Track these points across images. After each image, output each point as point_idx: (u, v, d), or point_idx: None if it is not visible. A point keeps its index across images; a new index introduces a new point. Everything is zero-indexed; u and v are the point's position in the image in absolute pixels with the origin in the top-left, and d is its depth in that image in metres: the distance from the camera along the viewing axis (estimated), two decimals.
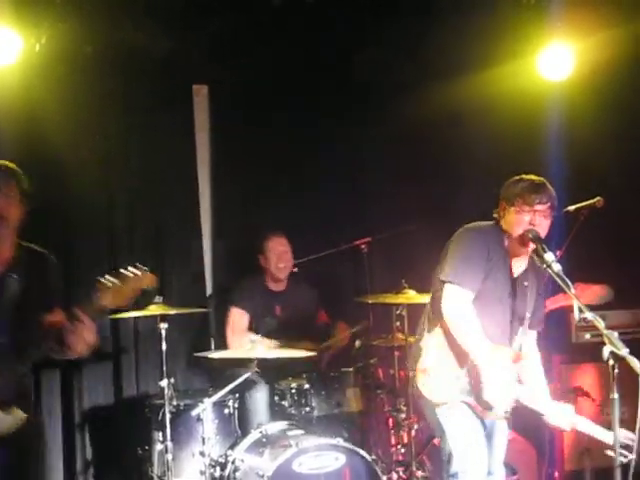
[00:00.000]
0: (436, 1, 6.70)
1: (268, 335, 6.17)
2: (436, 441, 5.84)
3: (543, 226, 4.62)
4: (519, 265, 4.77)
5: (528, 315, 4.77)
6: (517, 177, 4.74)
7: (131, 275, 3.87)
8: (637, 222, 7.17)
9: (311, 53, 6.94)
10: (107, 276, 3.85)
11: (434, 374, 4.64)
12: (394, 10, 6.71)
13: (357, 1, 6.58)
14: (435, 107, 6.83)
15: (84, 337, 3.85)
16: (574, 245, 5.79)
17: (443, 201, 7.03)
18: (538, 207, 4.60)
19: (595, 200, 5.70)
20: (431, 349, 4.68)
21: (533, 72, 6.96)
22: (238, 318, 6.42)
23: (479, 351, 4.53)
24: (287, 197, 7.10)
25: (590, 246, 6.57)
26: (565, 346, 6.87)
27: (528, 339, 4.88)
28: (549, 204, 4.63)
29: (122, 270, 3.89)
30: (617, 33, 6.63)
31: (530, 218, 4.59)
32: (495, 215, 4.76)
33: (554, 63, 6.87)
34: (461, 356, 4.60)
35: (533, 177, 4.71)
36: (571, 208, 5.77)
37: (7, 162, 4.05)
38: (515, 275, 4.75)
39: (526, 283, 4.75)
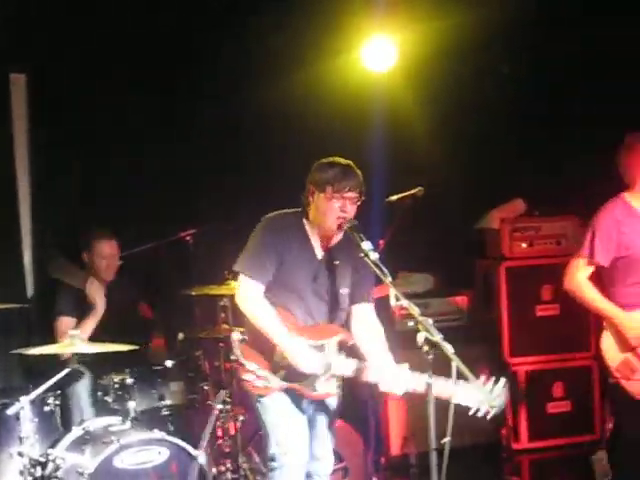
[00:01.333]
0: None
1: (97, 331, 6.04)
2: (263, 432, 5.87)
3: (352, 212, 4.66)
4: (329, 244, 4.79)
5: (344, 292, 4.77)
6: (325, 161, 4.76)
7: None
8: (457, 212, 7.39)
9: (136, 38, 6.78)
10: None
11: (250, 364, 4.65)
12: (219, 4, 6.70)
13: None
14: (262, 100, 6.85)
15: None
16: (396, 235, 5.88)
17: (268, 193, 7.02)
18: (348, 194, 4.63)
19: (416, 190, 5.79)
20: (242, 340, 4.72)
21: (358, 64, 7.06)
22: (64, 326, 6.12)
23: (278, 333, 4.59)
24: (112, 188, 6.93)
25: (412, 235, 6.71)
26: (389, 333, 6.97)
27: (359, 313, 4.89)
28: (358, 190, 4.67)
29: None
30: (438, 25, 6.82)
31: (340, 205, 4.63)
32: (302, 200, 4.78)
33: (377, 55, 6.99)
34: (269, 342, 4.64)
35: (342, 161, 4.73)
36: (393, 198, 5.85)
37: None
38: (319, 257, 4.77)
39: (337, 262, 4.76)
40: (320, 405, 4.84)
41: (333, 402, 4.90)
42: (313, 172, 4.75)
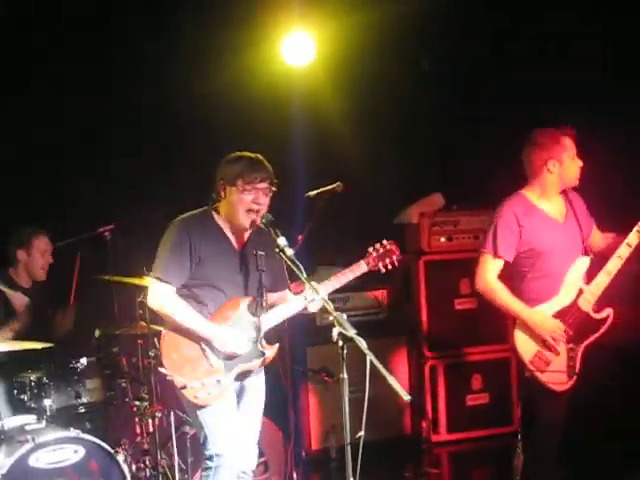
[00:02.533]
0: None
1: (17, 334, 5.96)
2: (186, 429, 5.84)
3: (265, 203, 4.68)
4: (243, 236, 4.80)
5: (264, 281, 4.77)
6: (233, 155, 4.77)
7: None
8: (377, 206, 7.43)
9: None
10: None
11: (193, 381, 4.64)
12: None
13: None
14: (181, 96, 6.86)
15: None
16: (317, 229, 5.89)
17: (186, 189, 6.98)
18: (260, 185, 4.64)
19: (335, 185, 5.80)
20: (168, 352, 4.71)
21: (277, 59, 7.05)
22: None
23: (200, 325, 4.62)
24: (29, 183, 6.82)
25: (334, 230, 6.74)
26: (310, 328, 7.02)
27: (280, 297, 4.95)
28: (269, 181, 4.69)
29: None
30: (357, 20, 6.86)
31: (253, 197, 4.64)
32: (213, 195, 4.78)
33: (296, 50, 7.00)
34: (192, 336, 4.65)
35: (250, 154, 4.75)
36: (312, 193, 5.84)
37: None
38: (237, 249, 4.78)
39: (255, 252, 4.75)
40: (249, 398, 4.86)
41: (261, 385, 4.94)
42: (222, 167, 4.76)
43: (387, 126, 7.47)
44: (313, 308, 4.89)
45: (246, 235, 4.80)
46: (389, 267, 5.06)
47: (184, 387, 4.63)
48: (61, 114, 6.83)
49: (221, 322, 4.68)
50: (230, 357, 4.68)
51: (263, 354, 4.75)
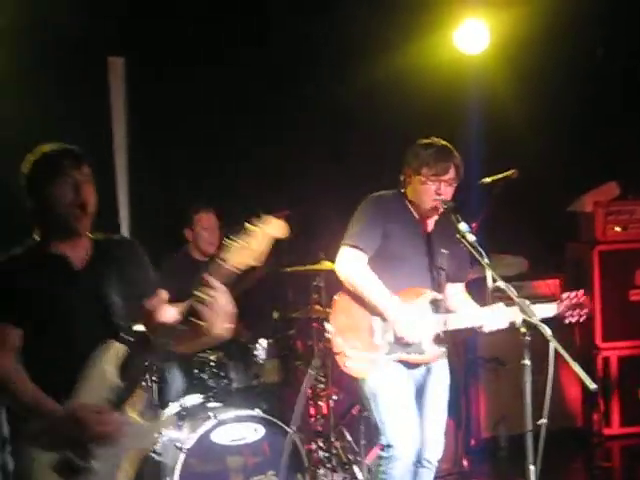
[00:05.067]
0: None
1: None
2: (354, 411, 5.92)
3: (448, 193, 4.66)
4: (430, 224, 4.81)
5: (443, 268, 4.75)
6: (422, 142, 4.75)
7: (257, 228, 3.30)
8: (551, 193, 7.32)
9: (230, 23, 6.86)
10: (232, 235, 3.28)
11: (349, 349, 4.67)
12: None
13: None
14: (356, 83, 6.88)
15: (222, 308, 3.27)
16: (491, 216, 5.86)
17: (361, 177, 7.04)
18: (444, 176, 4.63)
19: (510, 172, 5.74)
20: (338, 313, 4.75)
21: (451, 46, 7.05)
22: None
23: (382, 299, 4.59)
24: (207, 170, 7.02)
25: (506, 217, 6.68)
26: None
27: (452, 290, 4.89)
28: (454, 172, 4.67)
29: (246, 224, 3.31)
30: (531, 8, 6.78)
31: (436, 187, 4.63)
32: (401, 178, 4.79)
33: (470, 37, 6.98)
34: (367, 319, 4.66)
35: (438, 142, 4.72)
36: (487, 180, 5.80)
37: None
38: (427, 234, 4.78)
39: (440, 242, 4.75)
40: (434, 387, 4.83)
41: (445, 378, 4.90)
42: (409, 154, 4.75)
43: (561, 114, 7.34)
44: (489, 327, 4.68)
45: (432, 221, 4.81)
46: (574, 320, 4.77)
47: (339, 353, 4.67)
48: (230, 101, 7.00)
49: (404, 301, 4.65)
50: (397, 341, 4.62)
51: (428, 352, 4.69)
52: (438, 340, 4.70)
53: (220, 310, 3.27)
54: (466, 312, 4.77)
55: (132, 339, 3.44)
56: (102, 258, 3.56)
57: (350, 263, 4.67)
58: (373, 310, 4.64)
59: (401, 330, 4.58)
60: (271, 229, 3.34)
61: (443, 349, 4.76)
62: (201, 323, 3.26)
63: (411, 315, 4.60)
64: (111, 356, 3.39)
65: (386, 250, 4.68)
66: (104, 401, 3.32)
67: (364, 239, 4.67)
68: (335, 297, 4.81)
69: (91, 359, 3.37)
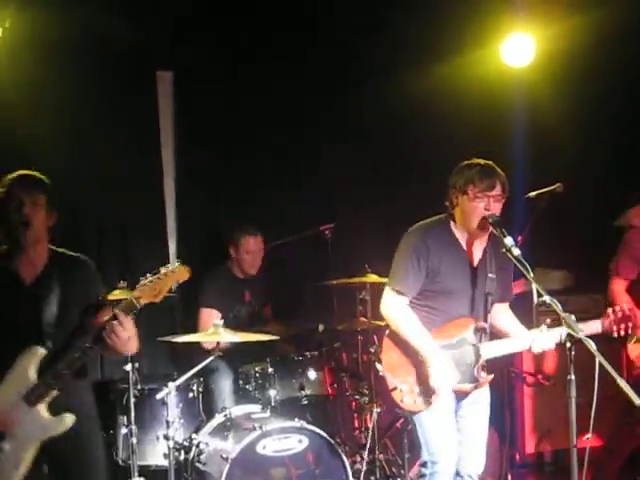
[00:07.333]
0: None
1: (239, 322, 6.23)
2: (398, 424, 5.93)
3: (496, 210, 4.64)
4: (478, 248, 4.79)
5: (492, 294, 4.76)
6: (465, 163, 4.74)
7: (167, 272, 3.92)
8: (596, 208, 7.28)
9: (277, 40, 6.92)
10: (146, 275, 3.93)
11: (402, 385, 4.68)
12: None
13: None
14: (403, 96, 6.93)
15: (123, 335, 3.89)
16: (535, 230, 5.85)
17: (405, 191, 7.08)
18: (491, 192, 4.62)
19: (556, 186, 5.72)
20: (388, 351, 4.77)
21: (497, 59, 7.07)
22: (207, 317, 6.32)
23: (421, 346, 4.62)
24: (253, 182, 7.09)
25: (551, 232, 6.66)
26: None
27: (498, 309, 4.89)
28: (501, 188, 4.65)
29: (161, 268, 3.93)
30: (576, 23, 6.78)
31: (485, 204, 4.61)
32: (447, 204, 4.78)
33: (517, 51, 7.00)
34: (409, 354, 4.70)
35: (481, 161, 4.71)
36: (532, 194, 5.78)
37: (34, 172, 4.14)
38: (475, 263, 4.77)
39: (488, 267, 4.75)
40: (473, 403, 4.83)
41: (485, 398, 4.90)
42: (453, 175, 4.74)
43: (606, 127, 7.32)
44: (537, 348, 4.72)
45: (482, 246, 4.79)
46: (622, 333, 4.76)
47: (394, 389, 4.68)
48: (283, 114, 7.08)
49: (445, 339, 4.68)
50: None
51: (477, 380, 4.70)
52: (485, 368, 4.74)
53: (120, 336, 3.89)
54: (512, 341, 4.80)
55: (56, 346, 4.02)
56: (52, 274, 4.11)
57: (390, 310, 4.74)
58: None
59: (432, 375, 4.60)
60: (177, 275, 3.93)
61: (491, 376, 4.78)
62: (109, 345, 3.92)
63: (446, 357, 4.63)
64: (34, 359, 3.97)
65: (434, 285, 4.71)
66: (19, 395, 3.94)
67: (409, 283, 4.71)
68: (385, 334, 4.80)
69: (17, 360, 3.97)
